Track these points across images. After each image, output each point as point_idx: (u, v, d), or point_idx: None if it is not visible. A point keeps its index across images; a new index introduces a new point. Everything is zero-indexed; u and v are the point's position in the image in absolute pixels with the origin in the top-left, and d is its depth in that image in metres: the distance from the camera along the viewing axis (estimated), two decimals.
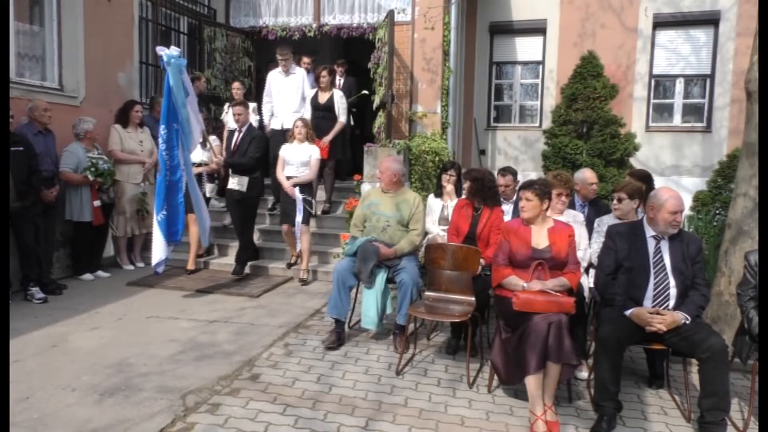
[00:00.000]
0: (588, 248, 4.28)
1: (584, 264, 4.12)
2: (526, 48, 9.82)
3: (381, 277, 4.37)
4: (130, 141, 6.57)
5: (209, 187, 6.73)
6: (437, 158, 7.27)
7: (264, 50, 9.19)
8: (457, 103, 9.12)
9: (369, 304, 4.35)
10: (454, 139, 8.82)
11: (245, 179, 6.05)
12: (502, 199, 4.83)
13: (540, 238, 3.62)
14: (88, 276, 6.11)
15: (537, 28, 9.56)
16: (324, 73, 7.14)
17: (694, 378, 3.48)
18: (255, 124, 7.02)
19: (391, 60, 7.56)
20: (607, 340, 3.29)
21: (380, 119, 7.65)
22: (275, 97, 7.43)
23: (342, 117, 7.14)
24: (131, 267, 6.66)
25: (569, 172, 6.06)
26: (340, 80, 8.31)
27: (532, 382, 3.24)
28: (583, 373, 3.88)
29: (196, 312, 5.06)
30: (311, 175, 6.17)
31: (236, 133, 6.19)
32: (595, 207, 4.94)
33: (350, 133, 8.29)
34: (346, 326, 4.57)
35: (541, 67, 9.71)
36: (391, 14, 7.56)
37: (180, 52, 5.31)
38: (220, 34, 8.82)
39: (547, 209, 3.66)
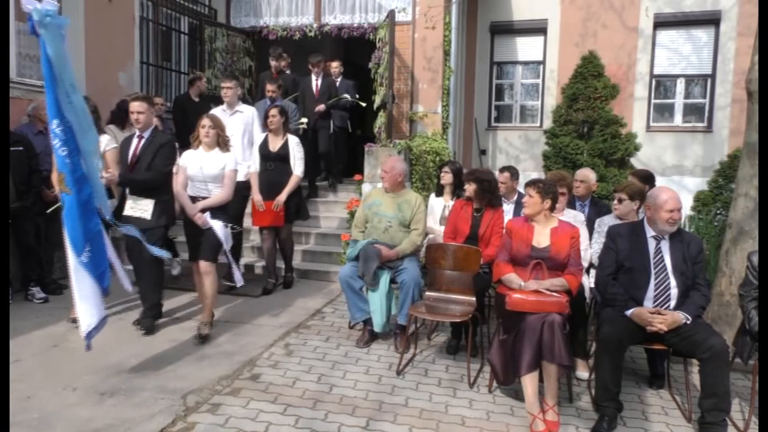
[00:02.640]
0: (588, 248, 4.28)
1: (585, 264, 4.12)
2: (526, 48, 9.81)
3: (384, 279, 4.37)
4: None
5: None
6: (438, 158, 7.27)
7: (265, 50, 9.20)
8: (458, 103, 9.12)
9: (374, 306, 4.35)
10: (455, 139, 8.83)
11: (150, 203, 4.41)
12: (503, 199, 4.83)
13: (541, 237, 3.62)
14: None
15: (538, 28, 9.55)
16: (273, 111, 5.61)
17: (695, 378, 3.48)
18: (259, 134, 5.79)
19: (392, 60, 7.57)
20: (608, 340, 3.29)
21: (381, 119, 7.65)
22: None
23: (298, 169, 5.60)
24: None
25: (570, 172, 6.06)
26: (336, 81, 8.00)
27: (527, 381, 3.24)
28: (584, 374, 3.88)
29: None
30: (226, 195, 4.47)
31: (134, 140, 4.52)
32: (596, 207, 4.94)
33: (348, 133, 8.19)
34: (347, 326, 4.58)
35: (541, 66, 9.70)
36: (391, 14, 7.57)
37: (57, 6, 3.28)
38: (220, 34, 8.83)
39: (551, 209, 3.65)
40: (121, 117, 6.55)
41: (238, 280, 4.63)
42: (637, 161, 8.95)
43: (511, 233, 3.71)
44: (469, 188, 4.37)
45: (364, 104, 7.85)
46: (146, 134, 4.52)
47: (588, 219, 4.61)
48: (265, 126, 5.76)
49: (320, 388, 3.63)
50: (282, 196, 5.51)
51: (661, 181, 7.14)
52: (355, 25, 8.63)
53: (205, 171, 4.43)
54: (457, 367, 4.07)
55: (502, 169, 5.09)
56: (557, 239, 3.59)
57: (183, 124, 6.85)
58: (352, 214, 6.47)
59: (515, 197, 5.01)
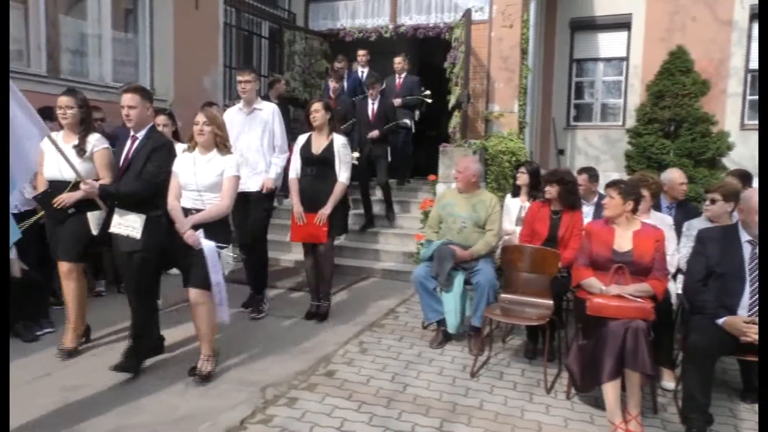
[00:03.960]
0: (676, 253, 4.07)
1: (672, 269, 3.92)
2: (608, 44, 9.47)
3: (459, 280, 4.34)
4: None
5: (93, 221, 3.95)
6: (514, 158, 7.15)
7: (341, 52, 9.35)
8: (535, 102, 8.93)
9: (448, 307, 4.33)
10: (532, 139, 8.64)
11: (138, 220, 3.65)
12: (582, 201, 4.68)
13: (623, 240, 3.48)
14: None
15: (621, 23, 9.20)
16: (317, 105, 4.75)
17: None
18: (280, 135, 4.98)
19: (468, 59, 7.50)
20: (697, 349, 3.12)
21: (456, 119, 7.59)
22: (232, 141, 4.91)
23: (343, 175, 4.75)
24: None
25: (655, 172, 5.79)
26: (399, 78, 7.99)
27: (609, 389, 3.13)
28: (670, 384, 3.69)
29: (274, 308, 5.20)
30: (224, 207, 3.65)
31: (129, 142, 3.77)
32: (684, 209, 4.69)
33: (414, 132, 8.12)
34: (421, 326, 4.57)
35: (625, 63, 9.34)
36: (468, 13, 7.50)
37: None
38: (299, 37, 9.04)
39: (633, 211, 3.50)
40: None
41: (222, 317, 3.69)
42: (730, 161, 8.42)
43: (590, 236, 3.59)
44: (551, 190, 4.24)
45: (430, 100, 7.81)
46: (141, 134, 3.72)
47: (675, 222, 4.39)
48: (307, 124, 4.90)
49: (394, 387, 3.64)
50: (326, 209, 4.66)
51: (757, 184, 6.69)
52: (431, 25, 8.63)
53: (199, 178, 3.59)
54: (534, 371, 3.97)
55: (581, 171, 4.93)
56: (640, 242, 3.44)
57: None
58: (426, 214, 6.46)
59: (595, 199, 4.84)
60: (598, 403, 3.42)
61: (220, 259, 3.59)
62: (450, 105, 7.77)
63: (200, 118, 3.65)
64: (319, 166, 4.76)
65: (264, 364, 3.93)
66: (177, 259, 3.75)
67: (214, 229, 3.62)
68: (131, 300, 3.83)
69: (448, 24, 8.39)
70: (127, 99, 3.68)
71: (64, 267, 3.92)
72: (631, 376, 3.11)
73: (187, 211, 3.62)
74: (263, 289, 5.11)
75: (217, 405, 3.31)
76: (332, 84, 7.13)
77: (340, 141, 4.77)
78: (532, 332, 4.32)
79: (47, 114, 4.29)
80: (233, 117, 4.94)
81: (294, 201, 4.80)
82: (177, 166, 3.68)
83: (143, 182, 3.63)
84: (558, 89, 9.73)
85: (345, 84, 7.76)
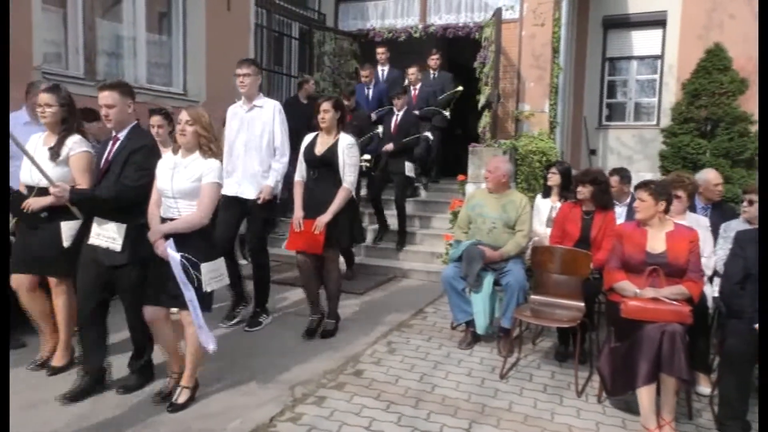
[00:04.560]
0: (712, 255, 3.98)
1: (708, 272, 3.83)
2: (643, 42, 9.29)
3: (488, 281, 4.31)
4: None
5: (67, 231, 3.55)
6: (545, 158, 7.07)
7: (371, 53, 9.38)
8: (566, 102, 8.80)
9: (477, 308, 4.30)
10: (563, 139, 8.53)
11: (119, 230, 3.26)
12: (614, 202, 4.61)
13: (656, 242, 3.41)
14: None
15: (656, 21, 9.01)
16: (326, 105, 4.31)
17: None
18: (281, 134, 4.60)
19: (498, 58, 7.44)
20: (734, 354, 3.05)
21: (485, 119, 7.54)
22: (227, 147, 4.60)
23: (348, 179, 4.28)
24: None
25: (690, 173, 5.66)
26: (434, 73, 8.02)
27: (643, 394, 3.07)
28: (706, 389, 3.61)
29: (303, 307, 5.22)
30: (198, 217, 3.18)
31: (110, 143, 3.39)
32: (720, 211, 4.58)
33: (445, 132, 8.11)
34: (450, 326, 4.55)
35: (659, 61, 9.15)
36: (498, 12, 7.45)
37: None
38: (329, 37, 9.09)
39: (665, 211, 3.43)
40: None
41: (205, 342, 3.20)
42: None
43: (621, 238, 3.52)
44: (584, 190, 4.17)
45: (458, 91, 7.78)
46: (122, 135, 3.35)
47: (711, 223, 4.28)
48: (315, 123, 4.48)
49: (422, 388, 3.63)
50: (325, 216, 4.16)
51: None
52: (461, 24, 8.59)
53: (175, 183, 3.19)
54: (564, 374, 3.92)
55: (612, 172, 4.86)
56: (674, 244, 3.36)
57: (291, 126, 7.10)
58: (454, 214, 6.43)
59: (628, 200, 4.77)
60: (631, 408, 3.36)
61: (190, 275, 3.11)
62: (480, 105, 7.72)
63: (183, 116, 3.25)
64: (321, 168, 4.32)
65: (293, 363, 3.95)
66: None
67: (189, 241, 3.15)
68: (128, 318, 3.44)
69: (478, 23, 8.34)
70: (105, 97, 3.27)
71: (24, 280, 3.56)
72: (667, 380, 3.04)
73: (162, 220, 3.25)
74: (263, 303, 4.75)
75: (246, 402, 3.35)
76: (346, 101, 6.61)
77: (345, 141, 4.30)
78: (562, 334, 4.26)
79: (87, 115, 4.36)
80: (233, 113, 4.65)
81: (295, 205, 4.38)
82: (158, 169, 3.30)
83: (122, 187, 3.23)
84: (590, 88, 9.59)
85: (370, 93, 7.83)
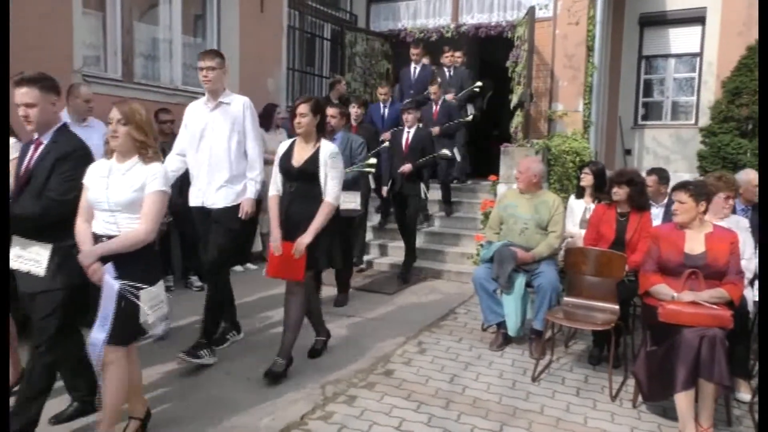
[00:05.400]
0: (753, 257, 3.86)
1: (749, 275, 3.72)
2: (680, 39, 9.09)
3: (520, 282, 4.26)
4: (271, 142, 6.97)
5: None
6: (578, 158, 6.97)
7: (402, 53, 9.39)
8: (601, 101, 8.66)
9: (509, 309, 4.26)
10: (597, 139, 8.39)
11: (43, 251, 2.76)
12: (651, 203, 4.51)
13: (695, 243, 3.32)
14: (238, 267, 6.58)
15: (695, 18, 8.81)
16: (303, 108, 3.70)
17: None
18: (252, 137, 4.06)
19: (531, 58, 7.36)
20: None
21: (518, 118, 7.47)
22: (189, 150, 4.08)
23: (331, 193, 3.70)
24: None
25: (730, 173, 5.51)
26: (448, 71, 7.91)
27: (681, 400, 2.99)
28: (746, 395, 3.51)
29: (333, 307, 5.26)
30: (141, 235, 2.66)
31: (31, 147, 2.85)
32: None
33: (471, 130, 8.02)
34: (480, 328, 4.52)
35: (698, 59, 8.94)
36: (531, 11, 7.36)
37: None
38: (360, 38, 9.12)
39: (704, 212, 3.34)
40: (266, 119, 6.98)
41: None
42: None
43: (658, 240, 3.44)
44: (619, 191, 4.09)
45: (478, 87, 7.69)
46: (46, 139, 2.82)
47: (752, 225, 4.16)
48: (291, 126, 3.96)
49: (453, 389, 3.61)
50: (305, 237, 3.57)
51: None
52: (493, 23, 8.53)
53: (111, 193, 2.66)
54: (597, 377, 3.85)
55: (650, 172, 4.76)
56: (714, 245, 3.27)
57: (322, 127, 7.14)
58: (486, 215, 6.38)
59: (665, 200, 4.66)
60: (667, 413, 3.29)
61: (129, 306, 2.57)
62: (512, 104, 7.66)
63: (114, 114, 2.69)
64: (300, 181, 3.71)
65: (323, 362, 3.98)
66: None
67: (131, 263, 2.61)
68: (43, 362, 2.82)
69: (510, 22, 8.27)
70: (23, 94, 2.72)
71: None
72: (706, 386, 2.97)
73: (97, 238, 2.68)
74: (212, 334, 4.00)
75: (277, 400, 3.37)
76: (354, 110, 6.15)
77: (328, 150, 3.72)
78: (596, 337, 4.19)
79: None
80: (195, 112, 4.04)
81: (272, 225, 3.75)
82: (87, 178, 2.73)
83: (46, 201, 2.70)
84: (625, 87, 9.42)
85: (386, 112, 7.37)
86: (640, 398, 3.45)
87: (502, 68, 8.01)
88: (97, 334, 2.55)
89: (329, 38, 9.22)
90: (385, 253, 7.02)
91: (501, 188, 6.48)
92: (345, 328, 4.70)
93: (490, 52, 9.87)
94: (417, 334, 4.61)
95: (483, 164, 8.32)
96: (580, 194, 5.08)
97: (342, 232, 4.21)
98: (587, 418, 3.30)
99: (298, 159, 3.72)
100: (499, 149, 6.76)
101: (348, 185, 4.64)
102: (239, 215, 3.97)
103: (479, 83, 7.83)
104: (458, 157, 7.29)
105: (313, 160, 3.69)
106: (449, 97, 7.60)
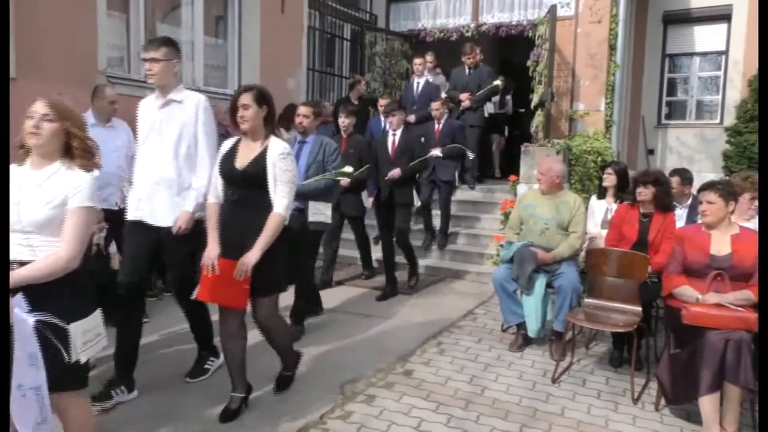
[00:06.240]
0: None
1: None
2: (705, 37, 8.96)
3: (540, 283, 4.23)
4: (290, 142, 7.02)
5: None
6: (600, 158, 6.89)
7: (422, 53, 9.37)
8: (623, 100, 8.56)
9: (529, 310, 4.23)
10: (619, 138, 8.30)
11: None
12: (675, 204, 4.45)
13: (721, 244, 3.26)
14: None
15: (720, 15, 8.67)
16: (245, 98, 3.08)
17: None
18: (207, 140, 3.36)
19: (552, 57, 7.30)
20: None
21: (538, 118, 7.42)
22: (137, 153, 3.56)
23: (280, 202, 3.05)
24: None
25: (756, 174, 5.41)
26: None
27: (706, 403, 2.94)
28: None
29: (352, 306, 5.27)
30: (63, 261, 2.16)
31: None
32: None
33: (485, 127, 7.82)
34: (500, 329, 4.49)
35: (723, 57, 8.79)
36: (553, 9, 7.30)
37: None
38: (380, 38, 9.13)
39: (732, 212, 3.28)
40: (287, 119, 7.01)
41: None
42: None
43: (683, 241, 3.39)
44: (645, 191, 4.02)
45: (499, 83, 7.54)
46: None
47: None
48: (232, 123, 3.24)
49: (472, 389, 3.60)
50: (251, 255, 2.94)
51: None
52: (514, 22, 8.48)
53: (23, 210, 2.17)
54: (619, 380, 3.81)
55: (673, 173, 4.69)
56: (740, 247, 3.21)
57: None
58: (506, 215, 6.34)
59: (688, 201, 4.60)
60: (690, 417, 3.24)
61: (52, 345, 2.11)
62: (533, 104, 7.60)
63: (38, 107, 2.20)
64: (243, 187, 3.09)
65: (343, 362, 3.98)
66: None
67: (51, 293, 2.14)
68: None
69: (531, 21, 8.21)
70: None
71: None
72: (731, 390, 2.91)
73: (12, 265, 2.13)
74: (208, 346, 3.74)
75: (297, 399, 3.39)
76: (342, 120, 5.46)
77: (277, 149, 3.08)
78: (618, 339, 4.14)
79: None
80: (144, 110, 3.47)
81: (208, 238, 3.10)
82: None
83: None
84: (648, 86, 9.31)
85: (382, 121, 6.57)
86: (662, 401, 3.41)
87: (523, 67, 7.96)
88: (32, 376, 2.04)
89: (349, 38, 9.25)
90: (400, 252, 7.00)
91: (521, 188, 6.44)
92: (364, 328, 4.70)
93: (510, 51, 9.81)
94: (436, 334, 4.60)
95: (506, 164, 8.28)
96: (602, 194, 5.02)
97: (299, 250, 3.92)
98: (609, 420, 3.26)
99: (242, 161, 3.09)
100: (519, 149, 6.72)
101: (319, 195, 4.26)
102: (177, 232, 3.27)
103: (498, 81, 7.57)
104: (470, 156, 6.82)
105: (259, 162, 3.05)
106: (464, 97, 7.44)
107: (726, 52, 8.75)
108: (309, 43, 8.17)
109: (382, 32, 9.25)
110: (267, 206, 3.04)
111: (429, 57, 7.93)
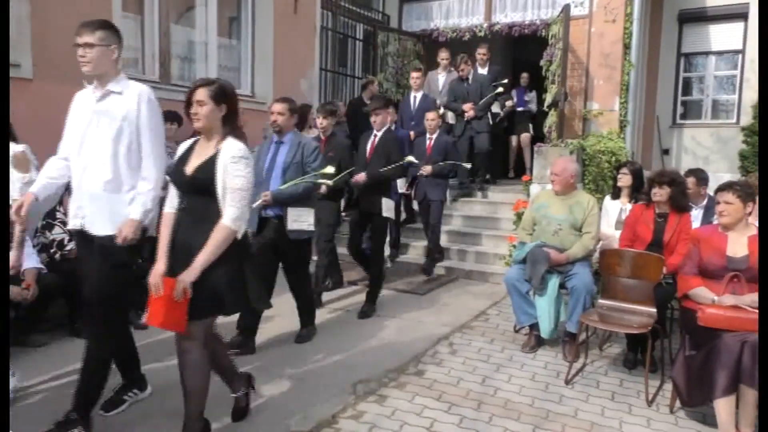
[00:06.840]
0: None
1: None
2: (721, 36, 8.87)
3: (553, 284, 4.20)
4: None
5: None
6: (614, 158, 6.84)
7: (434, 53, 9.36)
8: (638, 100, 8.49)
9: (542, 311, 4.21)
10: (633, 138, 8.24)
11: None
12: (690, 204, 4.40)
13: (738, 246, 3.23)
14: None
15: (736, 14, 8.58)
16: (200, 93, 2.70)
17: None
18: (152, 138, 2.92)
19: (566, 56, 7.26)
20: None
21: (552, 118, 7.38)
22: (72, 153, 2.98)
23: (229, 212, 2.63)
24: None
25: None
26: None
27: (721, 406, 2.91)
28: None
29: (357, 302, 5.26)
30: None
31: None
32: None
33: (492, 126, 7.69)
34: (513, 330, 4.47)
35: (740, 56, 8.70)
36: (566, 8, 7.26)
37: None
38: (392, 38, 9.13)
39: (750, 214, 3.25)
40: (300, 120, 7.02)
41: None
42: None
43: (699, 243, 3.36)
44: (661, 192, 3.99)
45: (503, 88, 7.47)
46: None
47: None
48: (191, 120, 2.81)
49: (484, 390, 3.58)
50: (189, 274, 2.55)
51: None
52: (527, 22, 8.45)
53: None
54: (633, 382, 3.78)
55: (688, 173, 4.65)
56: (757, 248, 3.17)
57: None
58: (518, 215, 6.31)
59: (704, 202, 4.56)
60: (706, 420, 3.21)
61: None
62: (546, 104, 7.56)
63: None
64: (191, 195, 2.74)
65: (355, 362, 3.99)
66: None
67: None
68: None
69: (544, 20, 8.17)
70: None
71: None
72: (747, 393, 2.88)
73: None
74: (133, 381, 3.27)
75: (309, 399, 3.39)
76: (320, 120, 5.17)
77: (230, 151, 2.70)
78: (632, 341, 4.11)
79: (168, 116, 4.71)
80: (79, 103, 3.00)
81: (158, 253, 2.74)
82: None
83: None
84: (663, 85, 9.23)
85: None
86: (677, 403, 3.37)
87: (536, 67, 7.92)
88: None
89: (361, 38, 9.26)
90: (410, 251, 6.99)
91: (534, 188, 6.41)
92: (376, 328, 4.71)
93: (523, 50, 9.77)
94: (448, 334, 4.59)
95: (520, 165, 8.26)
96: (616, 195, 4.98)
97: (287, 261, 3.89)
98: (622, 422, 3.24)
99: (192, 164, 2.73)
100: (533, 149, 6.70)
101: (299, 199, 4.01)
102: (120, 242, 2.84)
103: (500, 86, 7.39)
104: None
105: (208, 166, 2.67)
106: (467, 107, 7.30)
107: (742, 51, 8.66)
108: (322, 44, 8.19)
109: (395, 32, 9.26)
110: (216, 217, 2.65)
111: (444, 54, 7.95)
